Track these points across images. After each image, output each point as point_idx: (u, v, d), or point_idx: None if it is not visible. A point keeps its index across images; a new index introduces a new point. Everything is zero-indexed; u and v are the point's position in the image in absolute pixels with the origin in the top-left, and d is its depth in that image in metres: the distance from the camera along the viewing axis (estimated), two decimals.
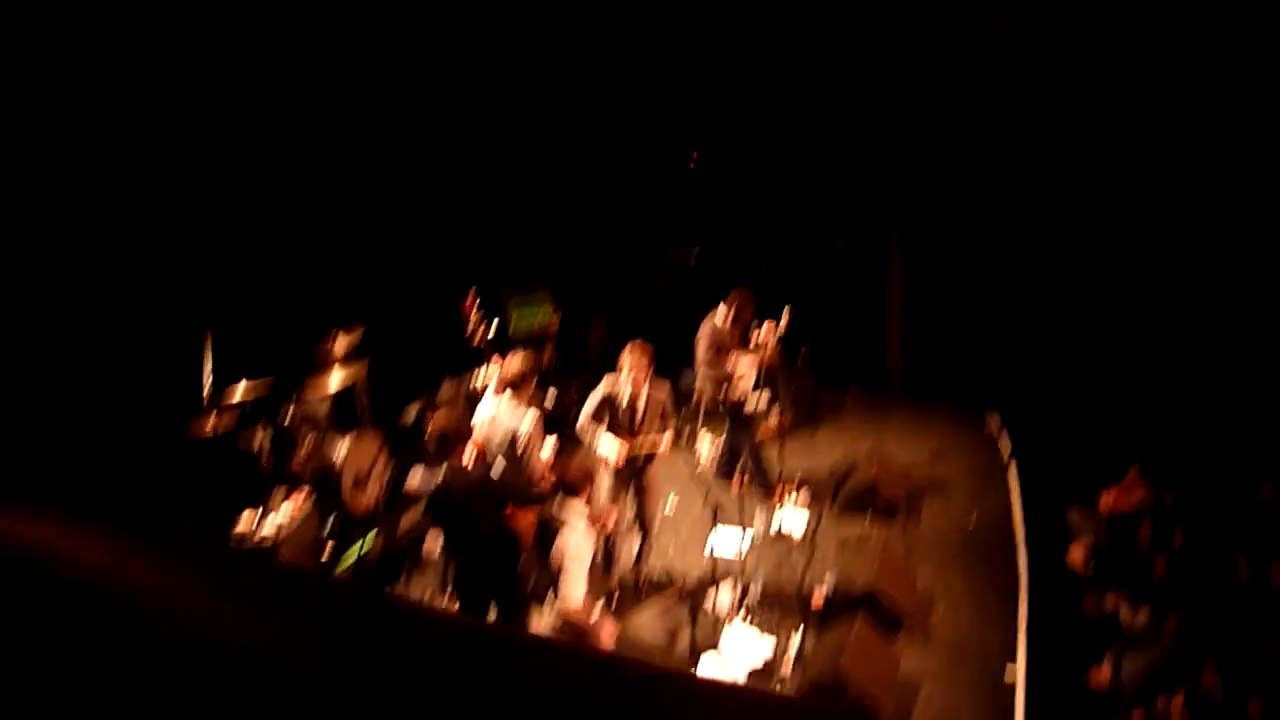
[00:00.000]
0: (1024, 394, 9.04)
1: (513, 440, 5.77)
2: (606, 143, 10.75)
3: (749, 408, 7.65)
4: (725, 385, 7.23)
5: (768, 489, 7.66)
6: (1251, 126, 8.19)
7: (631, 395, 6.18)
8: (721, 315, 7.25)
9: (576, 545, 4.63)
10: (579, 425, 6.25)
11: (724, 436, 7.77)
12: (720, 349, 7.22)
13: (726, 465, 7.85)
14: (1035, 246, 9.47)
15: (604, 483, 6.05)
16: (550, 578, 4.74)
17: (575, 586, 4.59)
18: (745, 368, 7.30)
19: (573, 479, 4.79)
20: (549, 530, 4.76)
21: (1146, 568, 6.16)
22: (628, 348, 6.13)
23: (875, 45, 8.95)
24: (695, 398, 7.67)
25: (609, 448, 6.07)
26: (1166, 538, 6.27)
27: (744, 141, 10.46)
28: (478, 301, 6.63)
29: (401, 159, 9.46)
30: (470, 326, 6.49)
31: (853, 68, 9.25)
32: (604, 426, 6.18)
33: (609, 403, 6.19)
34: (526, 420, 5.75)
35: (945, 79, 8.91)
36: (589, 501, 4.89)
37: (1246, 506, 6.40)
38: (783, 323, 7.42)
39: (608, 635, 4.77)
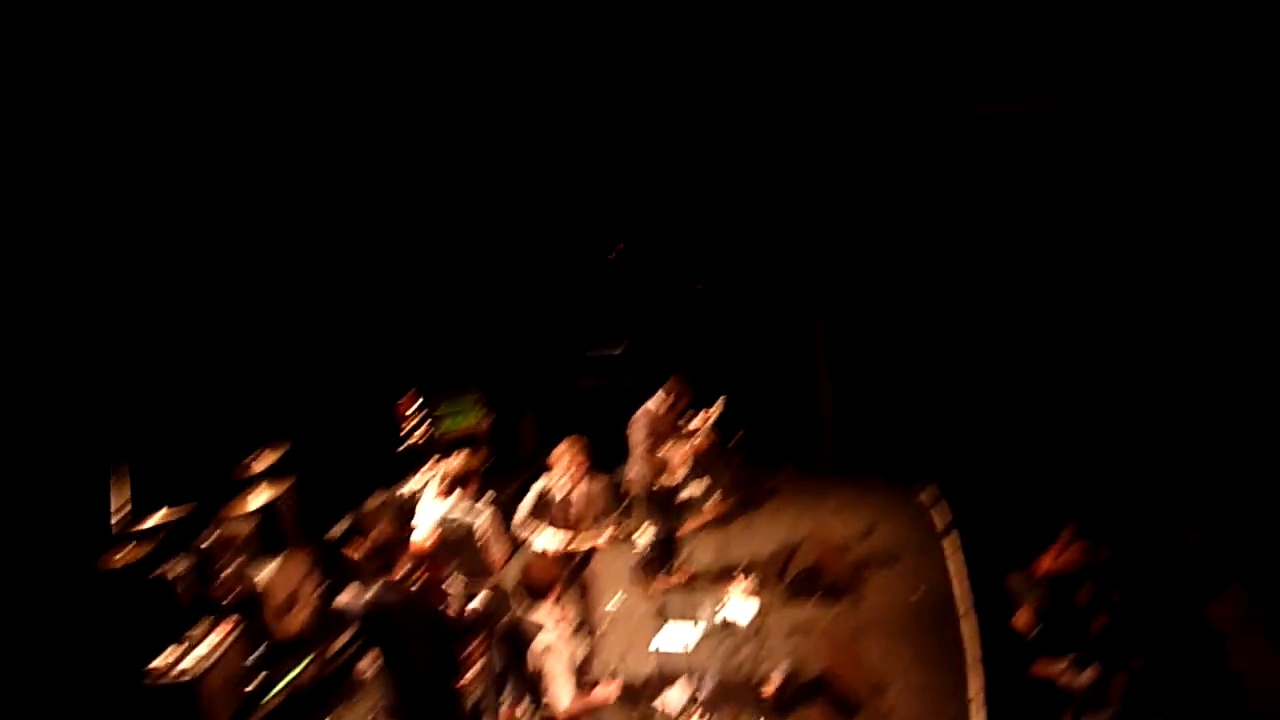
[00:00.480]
0: (956, 464, 9.21)
1: (467, 538, 5.66)
2: (527, 242, 10.89)
3: (681, 496, 7.64)
4: (660, 474, 7.23)
5: (663, 573, 7.65)
6: (1177, 196, 8.67)
7: (568, 491, 6.14)
8: (658, 403, 7.29)
9: (553, 646, 4.51)
10: (515, 523, 6.17)
11: (656, 528, 7.74)
12: (657, 437, 7.24)
13: (661, 556, 7.78)
14: (955, 321, 9.80)
15: None
16: (527, 684, 4.58)
17: (562, 687, 4.51)
18: (681, 456, 7.32)
19: (538, 581, 4.69)
20: (519, 637, 4.61)
21: (1089, 627, 6.22)
22: (563, 444, 6.12)
23: (787, 132, 9.34)
24: (629, 489, 7.62)
25: (548, 543, 5.98)
26: (1105, 595, 6.37)
27: (663, 231, 10.70)
28: (417, 402, 6.53)
29: (320, 267, 9.41)
30: (407, 427, 6.38)
31: (764, 151, 9.61)
32: (541, 523, 6.12)
33: (545, 499, 6.14)
34: (482, 517, 5.67)
35: (857, 162, 9.32)
36: (556, 601, 4.79)
37: (1177, 554, 6.56)
38: (715, 410, 7.49)
39: (612, 695, 4.80)
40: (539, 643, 4.54)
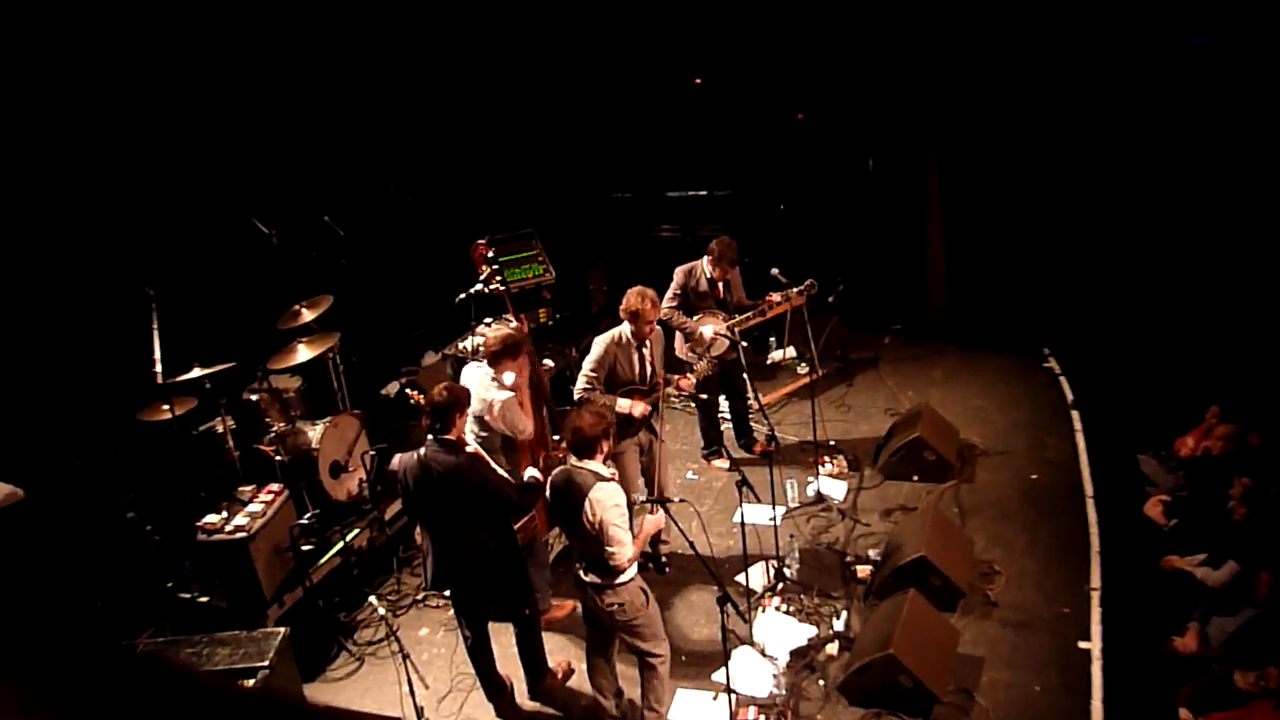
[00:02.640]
0: (1083, 331, 8.96)
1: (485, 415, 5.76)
2: (601, 67, 10.59)
3: (771, 360, 7.58)
4: (694, 345, 7.15)
5: (744, 444, 7.85)
6: None
7: (637, 345, 6.15)
8: (700, 265, 7.14)
9: (609, 500, 4.67)
10: (579, 390, 6.20)
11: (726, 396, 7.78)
12: (688, 301, 7.13)
13: (706, 433, 7.86)
14: (1089, 164, 9.30)
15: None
16: (592, 546, 4.77)
17: (624, 540, 4.72)
18: (714, 329, 7.15)
19: (587, 432, 4.79)
20: (573, 489, 4.76)
21: (1231, 519, 6.11)
22: (630, 294, 6.07)
23: None
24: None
25: (623, 408, 6.06)
26: (1253, 485, 6.21)
27: (754, 51, 10.25)
28: (490, 252, 6.47)
29: (364, 97, 9.32)
30: (483, 277, 6.34)
31: None
32: (603, 387, 6.14)
33: (612, 357, 6.14)
34: (501, 395, 5.70)
35: None
36: (607, 455, 4.92)
37: None
38: (803, 289, 7.30)
39: (660, 521, 5.20)
40: (597, 492, 4.67)
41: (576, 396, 6.22)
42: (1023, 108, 9.32)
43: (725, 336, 7.06)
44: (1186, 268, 8.81)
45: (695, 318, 7.20)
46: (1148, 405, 7.68)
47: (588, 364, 6.20)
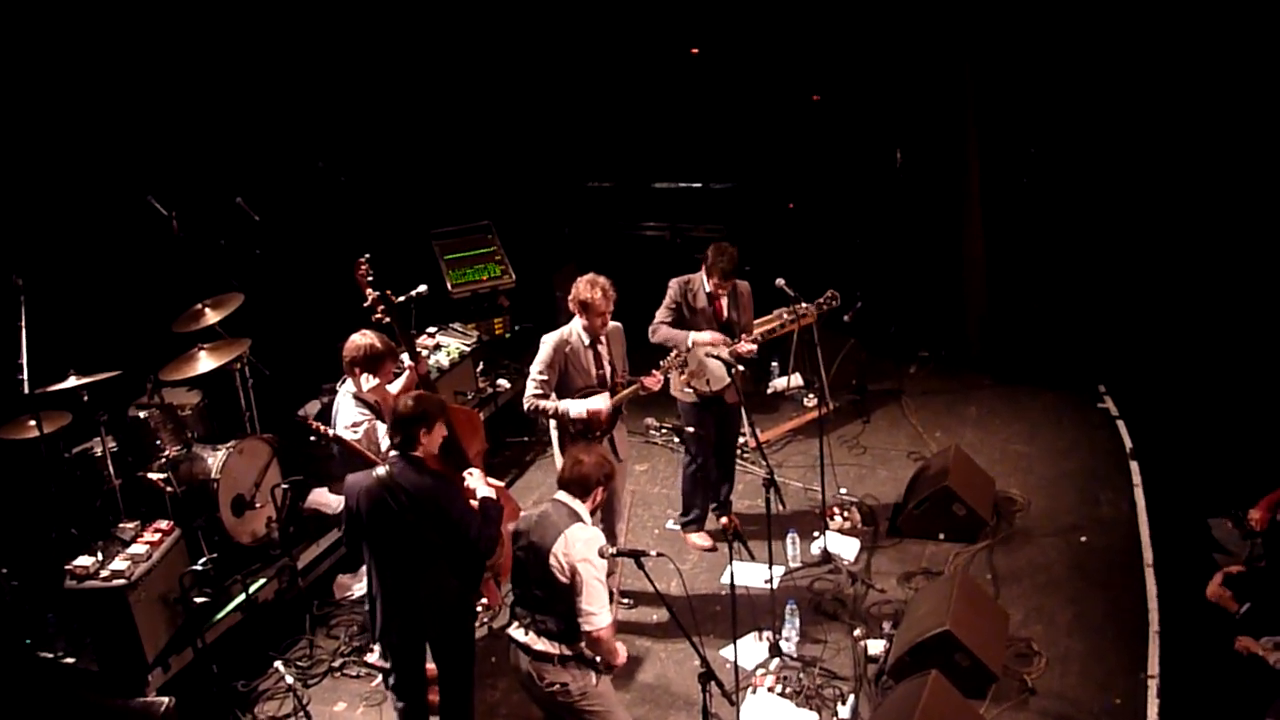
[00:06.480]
0: (1147, 366, 9.02)
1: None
2: (577, 31, 10.65)
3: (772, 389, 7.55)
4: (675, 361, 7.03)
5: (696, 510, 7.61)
6: None
7: (591, 342, 6.24)
8: (699, 278, 7.02)
9: (587, 546, 4.61)
10: (528, 397, 6.28)
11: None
12: (683, 321, 7.05)
13: (687, 495, 7.65)
14: (1160, 161, 9.40)
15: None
16: (556, 601, 4.71)
17: (602, 603, 4.65)
18: (704, 353, 6.98)
19: (588, 471, 4.78)
20: (540, 531, 4.72)
21: None
22: (579, 282, 6.18)
23: None
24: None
25: (580, 411, 6.16)
26: None
27: (761, 16, 10.33)
28: (370, 274, 6.40)
29: (289, 53, 9.33)
30: (368, 303, 6.29)
31: None
32: (555, 393, 6.25)
33: (562, 358, 6.22)
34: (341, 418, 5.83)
35: None
36: (595, 503, 4.93)
37: None
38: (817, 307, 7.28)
39: (622, 655, 4.95)
40: (575, 530, 4.63)
41: (526, 405, 6.33)
42: (1085, 89, 9.39)
43: (719, 358, 6.95)
44: (1268, 302, 8.91)
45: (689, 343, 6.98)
46: (1222, 457, 7.74)
47: (535, 366, 6.29)
